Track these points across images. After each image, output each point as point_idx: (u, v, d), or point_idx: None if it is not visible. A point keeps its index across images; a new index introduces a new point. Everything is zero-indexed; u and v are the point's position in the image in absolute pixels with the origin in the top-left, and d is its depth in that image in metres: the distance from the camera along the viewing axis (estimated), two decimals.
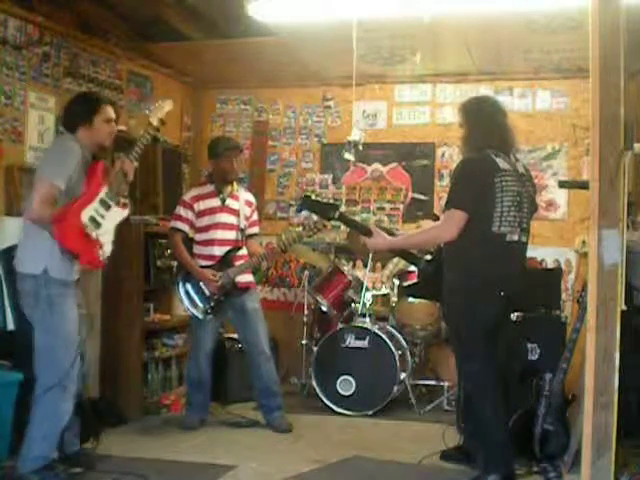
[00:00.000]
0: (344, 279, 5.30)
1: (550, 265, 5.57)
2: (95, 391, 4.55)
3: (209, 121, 6.60)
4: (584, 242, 5.21)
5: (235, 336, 4.94)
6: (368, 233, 3.50)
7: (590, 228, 2.65)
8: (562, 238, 5.67)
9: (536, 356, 4.30)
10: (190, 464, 3.78)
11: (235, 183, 4.62)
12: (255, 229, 4.68)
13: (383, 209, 6.10)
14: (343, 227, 5.36)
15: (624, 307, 2.64)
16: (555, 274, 5.01)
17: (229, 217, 4.51)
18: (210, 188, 4.54)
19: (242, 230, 4.55)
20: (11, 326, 4.00)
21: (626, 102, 2.63)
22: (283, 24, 4.77)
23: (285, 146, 6.42)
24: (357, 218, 6.06)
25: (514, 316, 4.17)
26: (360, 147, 5.15)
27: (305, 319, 5.52)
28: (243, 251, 4.56)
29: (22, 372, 3.71)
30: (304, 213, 5.28)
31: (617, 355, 2.57)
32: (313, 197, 3.64)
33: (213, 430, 4.48)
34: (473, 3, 4.27)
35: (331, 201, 3.79)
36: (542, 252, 5.53)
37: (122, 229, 4.81)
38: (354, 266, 5.69)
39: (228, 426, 4.57)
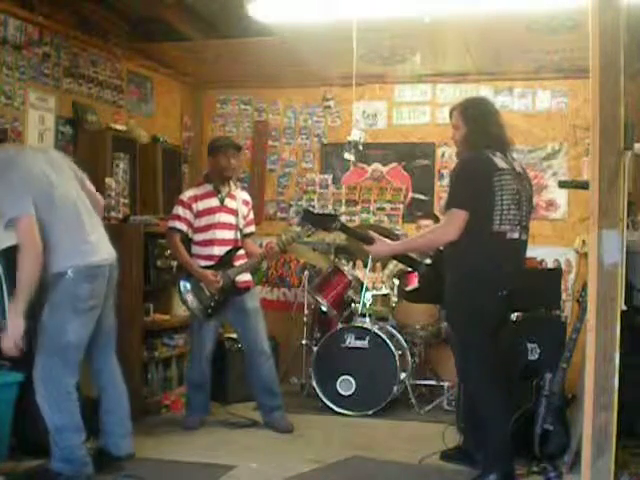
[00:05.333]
0: (344, 279, 5.29)
1: (550, 265, 5.57)
2: (94, 390, 4.55)
3: (209, 121, 6.59)
4: (584, 242, 5.21)
5: (235, 336, 4.94)
6: (369, 241, 3.50)
7: (590, 228, 2.65)
8: (562, 238, 5.67)
9: (536, 356, 4.29)
10: (190, 464, 3.78)
11: (232, 183, 4.62)
12: (251, 228, 4.69)
13: (383, 209, 6.10)
14: None
15: (624, 307, 2.64)
16: (555, 274, 5.01)
17: (228, 217, 4.50)
18: (208, 188, 4.53)
19: (240, 230, 4.55)
20: None
21: (626, 102, 2.63)
22: (283, 24, 4.77)
23: (285, 146, 6.42)
24: (357, 219, 6.09)
25: (514, 316, 4.17)
26: (360, 147, 5.15)
27: (305, 319, 5.52)
28: (242, 251, 4.56)
29: (22, 372, 3.72)
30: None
31: (617, 355, 2.57)
32: (312, 210, 3.66)
33: (213, 430, 4.47)
34: (473, 3, 4.27)
35: (331, 212, 3.81)
36: (542, 252, 5.52)
37: (122, 229, 4.84)
38: (354, 266, 5.69)
39: (228, 426, 4.57)
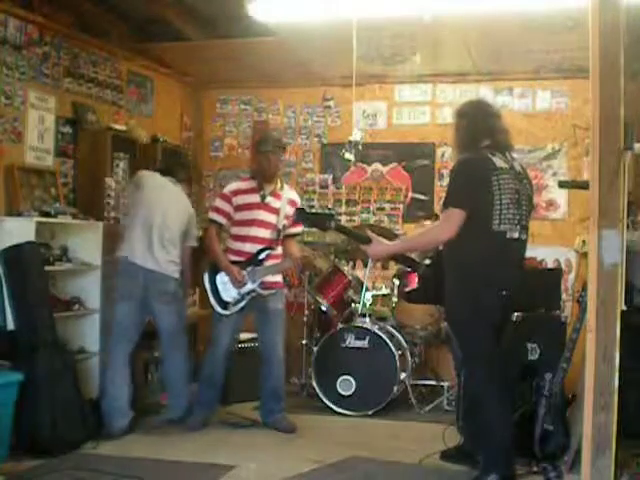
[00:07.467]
0: (344, 279, 5.30)
1: (550, 265, 5.57)
2: (95, 391, 4.55)
3: (209, 121, 6.59)
4: (584, 242, 5.21)
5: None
6: (366, 241, 3.50)
7: (590, 228, 2.65)
8: (562, 238, 5.67)
9: (536, 356, 4.29)
10: (190, 464, 3.78)
11: (280, 181, 4.55)
12: (297, 229, 4.58)
13: (383, 209, 6.10)
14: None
15: (624, 307, 2.64)
16: (555, 274, 5.01)
17: (268, 215, 4.43)
18: (252, 184, 4.48)
19: (279, 230, 4.47)
20: (11, 326, 4.00)
21: (626, 102, 2.63)
22: (283, 24, 4.77)
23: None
24: (357, 218, 6.08)
25: (514, 316, 4.17)
26: (360, 147, 5.15)
27: (305, 319, 5.51)
28: (277, 251, 4.49)
29: (22, 372, 3.72)
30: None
31: (617, 355, 2.57)
32: (307, 209, 3.64)
33: (213, 430, 4.47)
34: (473, 3, 4.27)
35: (326, 212, 3.79)
36: (542, 252, 5.53)
37: (122, 229, 4.84)
38: (354, 266, 5.68)
39: (228, 426, 4.56)
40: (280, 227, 4.46)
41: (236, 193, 4.45)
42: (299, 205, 4.56)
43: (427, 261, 3.64)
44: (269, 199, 4.45)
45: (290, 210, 4.46)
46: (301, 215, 3.74)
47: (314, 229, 5.86)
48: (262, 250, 4.41)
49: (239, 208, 4.43)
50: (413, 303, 5.07)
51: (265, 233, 4.43)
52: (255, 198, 4.44)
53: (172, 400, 4.52)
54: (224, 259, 4.39)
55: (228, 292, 4.38)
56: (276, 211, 4.45)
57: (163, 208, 4.40)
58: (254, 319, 4.58)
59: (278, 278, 4.54)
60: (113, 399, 4.25)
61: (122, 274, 4.35)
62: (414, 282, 5.04)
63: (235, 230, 4.46)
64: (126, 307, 4.32)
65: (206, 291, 4.46)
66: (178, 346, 4.47)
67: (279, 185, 4.52)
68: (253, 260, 4.39)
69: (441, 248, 3.53)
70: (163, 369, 4.61)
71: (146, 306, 4.35)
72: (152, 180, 4.52)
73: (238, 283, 4.34)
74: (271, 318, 4.47)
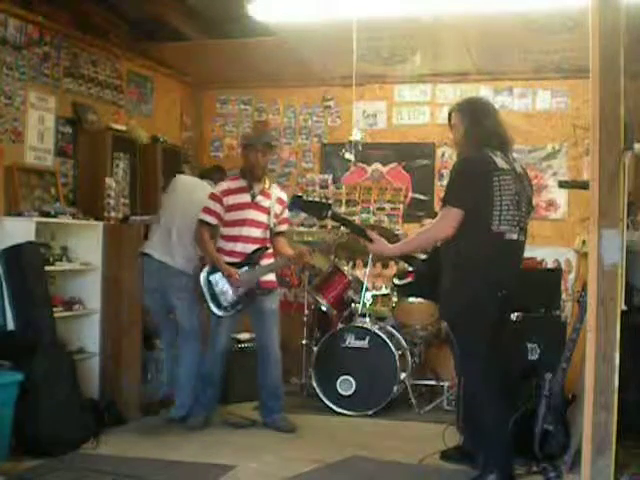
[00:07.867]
0: (344, 279, 5.30)
1: (550, 265, 5.56)
2: (95, 391, 4.55)
3: (209, 121, 6.60)
4: (584, 242, 5.21)
5: (237, 336, 4.95)
6: (362, 233, 3.49)
7: (590, 228, 2.66)
8: (562, 238, 5.67)
9: (536, 356, 4.29)
10: (190, 464, 3.77)
11: (268, 180, 4.53)
12: (284, 227, 4.59)
13: (383, 209, 6.10)
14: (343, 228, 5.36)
15: (624, 307, 2.64)
16: (555, 274, 5.01)
17: (258, 214, 4.42)
18: (242, 183, 4.45)
19: (271, 229, 4.47)
20: (11, 326, 4.00)
21: (626, 102, 2.63)
22: (283, 24, 4.77)
23: (285, 146, 6.42)
24: (357, 218, 6.08)
25: (514, 316, 4.17)
26: (360, 147, 5.15)
27: (305, 319, 5.51)
28: (270, 250, 4.49)
29: (22, 372, 3.72)
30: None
31: (617, 355, 2.58)
32: (304, 197, 3.64)
33: (213, 430, 4.47)
34: (473, 3, 4.27)
35: (322, 200, 3.77)
36: (542, 252, 5.52)
37: (122, 229, 4.85)
38: (354, 266, 5.68)
39: (228, 426, 4.56)
40: (271, 226, 4.47)
41: (226, 193, 4.42)
42: (287, 203, 4.51)
43: (423, 256, 3.64)
44: (259, 198, 4.44)
45: (279, 209, 4.50)
46: (298, 202, 3.70)
47: (313, 229, 5.91)
48: (257, 250, 4.40)
49: (230, 208, 4.40)
50: (405, 296, 5.08)
51: (256, 232, 4.42)
52: (245, 198, 4.42)
53: (177, 399, 4.58)
54: (221, 260, 4.37)
55: (225, 293, 4.38)
56: (266, 210, 4.44)
57: (187, 210, 4.56)
58: (250, 319, 4.58)
59: (272, 277, 4.54)
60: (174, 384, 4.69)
61: (142, 269, 4.60)
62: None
63: (226, 230, 4.44)
64: (150, 300, 4.66)
65: (202, 292, 4.44)
66: (188, 342, 4.59)
67: (267, 184, 4.51)
68: (248, 260, 4.39)
69: (439, 245, 3.53)
70: (176, 365, 4.72)
71: (168, 300, 4.62)
72: (184, 183, 4.85)
73: (236, 283, 4.34)
74: (267, 318, 4.46)
